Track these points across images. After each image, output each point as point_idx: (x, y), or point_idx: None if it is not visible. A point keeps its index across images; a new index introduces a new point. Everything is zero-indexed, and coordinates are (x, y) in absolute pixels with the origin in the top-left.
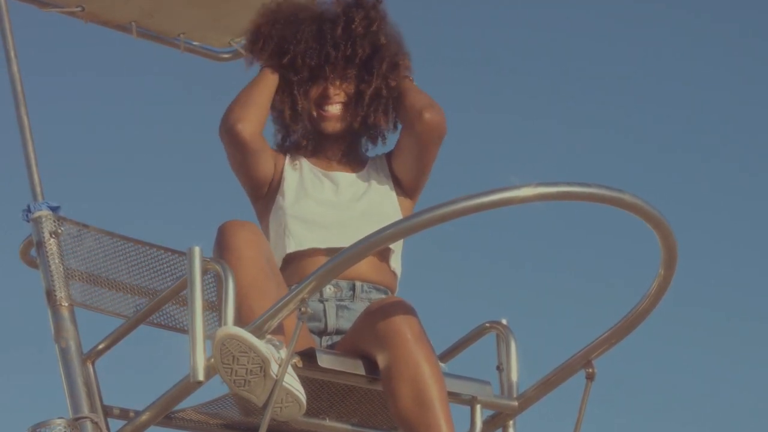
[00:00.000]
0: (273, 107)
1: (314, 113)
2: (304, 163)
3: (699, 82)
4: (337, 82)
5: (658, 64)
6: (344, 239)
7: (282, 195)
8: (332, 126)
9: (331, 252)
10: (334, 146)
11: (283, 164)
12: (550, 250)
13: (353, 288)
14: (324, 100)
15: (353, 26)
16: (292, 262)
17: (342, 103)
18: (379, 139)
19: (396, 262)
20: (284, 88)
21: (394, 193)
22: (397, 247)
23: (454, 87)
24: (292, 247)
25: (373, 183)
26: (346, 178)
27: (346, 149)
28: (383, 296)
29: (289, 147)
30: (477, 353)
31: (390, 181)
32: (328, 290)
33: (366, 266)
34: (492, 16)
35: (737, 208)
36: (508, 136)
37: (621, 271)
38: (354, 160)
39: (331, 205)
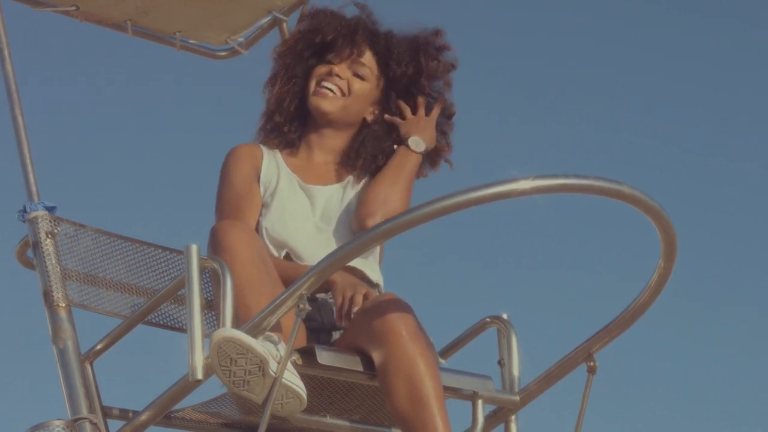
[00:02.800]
0: (269, 91)
1: (312, 87)
2: (282, 166)
3: (697, 77)
4: (345, 65)
5: (656, 59)
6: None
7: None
8: (325, 104)
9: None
10: (319, 147)
11: (261, 162)
12: (550, 244)
13: None
14: (327, 77)
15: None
16: None
17: (339, 87)
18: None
19: (374, 272)
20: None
21: None
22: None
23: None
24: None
25: (351, 201)
26: (323, 192)
27: (332, 154)
28: (371, 289)
29: (271, 138)
30: (478, 348)
31: None
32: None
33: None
34: (490, 15)
35: (738, 202)
36: (508, 132)
37: (621, 264)
38: (337, 169)
39: (304, 222)
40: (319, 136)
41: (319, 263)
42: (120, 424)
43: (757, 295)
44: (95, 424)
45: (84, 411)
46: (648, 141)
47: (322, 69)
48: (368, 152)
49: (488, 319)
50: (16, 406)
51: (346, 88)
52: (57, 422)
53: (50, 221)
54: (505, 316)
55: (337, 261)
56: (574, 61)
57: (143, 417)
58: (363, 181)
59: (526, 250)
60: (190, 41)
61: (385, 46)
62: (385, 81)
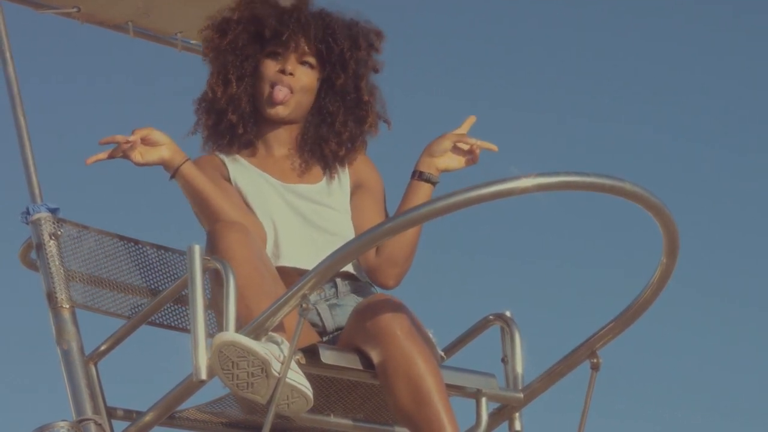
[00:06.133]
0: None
1: (266, 91)
2: (249, 167)
3: (696, 69)
4: (294, 57)
5: (653, 53)
6: (314, 258)
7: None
8: (281, 110)
9: (299, 272)
10: (276, 141)
11: (225, 168)
12: (553, 241)
13: (335, 285)
14: (280, 76)
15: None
16: None
17: (290, 86)
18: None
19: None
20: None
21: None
22: None
23: (450, 81)
24: None
25: (335, 199)
26: (308, 191)
27: (289, 145)
28: (367, 286)
29: (225, 143)
30: (481, 346)
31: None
32: (313, 295)
33: None
34: (487, 12)
35: (739, 196)
36: (507, 129)
37: (623, 261)
38: (305, 162)
39: (294, 220)
40: (275, 132)
41: (321, 263)
42: (124, 424)
43: (761, 291)
44: (100, 424)
45: (88, 412)
46: (649, 133)
47: (271, 67)
48: (313, 140)
49: (491, 317)
50: (20, 408)
51: (297, 84)
52: (62, 423)
53: (53, 223)
54: (508, 313)
55: (338, 261)
56: (574, 54)
57: (147, 417)
58: (346, 179)
59: (528, 246)
60: (191, 41)
61: (323, 29)
62: (325, 66)
